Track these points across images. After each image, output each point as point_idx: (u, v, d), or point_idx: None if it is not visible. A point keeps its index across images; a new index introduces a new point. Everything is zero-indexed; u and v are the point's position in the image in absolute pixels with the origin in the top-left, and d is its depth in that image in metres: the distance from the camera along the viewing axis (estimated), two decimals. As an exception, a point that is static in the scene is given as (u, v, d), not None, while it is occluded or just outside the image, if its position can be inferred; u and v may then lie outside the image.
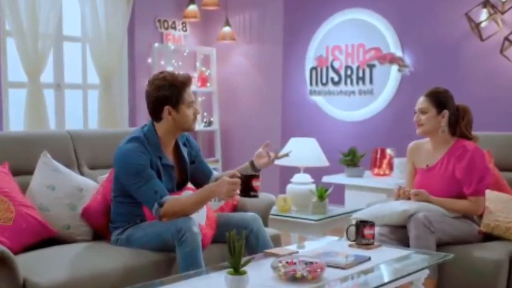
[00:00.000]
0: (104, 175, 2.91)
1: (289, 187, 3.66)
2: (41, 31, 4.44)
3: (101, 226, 2.78)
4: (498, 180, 3.08)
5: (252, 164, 2.79)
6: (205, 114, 5.78)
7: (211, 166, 3.02)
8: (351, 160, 4.32)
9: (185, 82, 2.63)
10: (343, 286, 2.11)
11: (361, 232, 2.54)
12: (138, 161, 2.53)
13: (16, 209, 2.50)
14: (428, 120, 2.95)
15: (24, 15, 4.34)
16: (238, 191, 2.49)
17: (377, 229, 2.69)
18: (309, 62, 5.40)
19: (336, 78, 5.27)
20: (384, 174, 4.34)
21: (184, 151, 2.78)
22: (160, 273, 2.43)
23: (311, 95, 5.40)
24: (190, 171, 2.80)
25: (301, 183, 3.62)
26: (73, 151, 2.99)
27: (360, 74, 5.12)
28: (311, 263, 2.13)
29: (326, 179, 4.30)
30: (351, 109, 5.20)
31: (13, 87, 4.54)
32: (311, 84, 5.39)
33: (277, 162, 2.87)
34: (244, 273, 1.94)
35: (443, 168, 2.94)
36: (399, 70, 4.92)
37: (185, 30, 5.71)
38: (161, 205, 2.48)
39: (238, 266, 1.94)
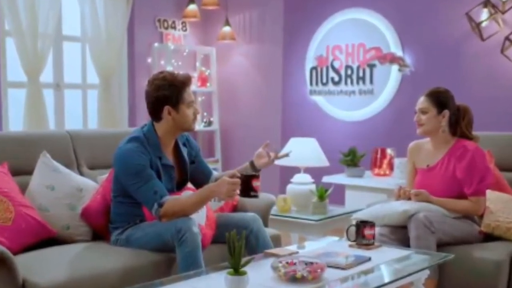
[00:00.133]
0: (104, 175, 2.91)
1: (289, 187, 3.66)
2: (41, 30, 4.43)
3: (100, 226, 2.77)
4: (499, 180, 3.07)
5: (252, 164, 2.78)
6: (205, 114, 5.78)
7: (211, 166, 3.02)
8: (351, 160, 4.31)
9: (185, 82, 2.62)
10: (343, 287, 2.10)
11: (361, 233, 2.54)
12: (137, 161, 2.52)
13: (15, 209, 2.50)
14: (429, 120, 2.94)
15: (23, 14, 4.33)
16: (238, 191, 2.49)
17: (377, 230, 2.69)
18: (309, 62, 5.39)
19: (336, 78, 5.26)
20: (385, 174, 4.33)
21: (184, 151, 2.77)
22: (160, 273, 2.43)
23: (311, 95, 5.39)
24: (190, 171, 2.79)
25: (301, 183, 3.62)
26: (73, 151, 2.98)
27: (361, 74, 5.11)
28: (311, 263, 2.13)
29: (326, 179, 4.30)
30: (351, 109, 5.19)
31: (13, 87, 4.54)
32: (311, 84, 5.39)
33: (277, 162, 2.86)
34: (244, 273, 1.94)
35: (443, 168, 2.94)
36: (399, 70, 4.91)
37: (185, 30, 5.70)
38: (160, 205, 2.48)
39: (238, 266, 1.93)
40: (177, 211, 2.49)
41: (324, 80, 5.32)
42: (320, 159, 3.69)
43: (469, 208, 2.88)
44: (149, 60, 5.38)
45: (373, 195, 3.94)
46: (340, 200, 4.31)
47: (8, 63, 4.47)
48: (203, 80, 5.73)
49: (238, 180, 2.47)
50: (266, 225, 2.99)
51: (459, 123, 2.97)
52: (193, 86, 5.15)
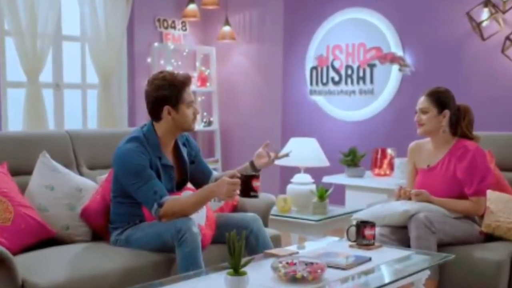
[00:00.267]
0: (103, 175, 2.90)
1: (289, 187, 3.65)
2: (40, 30, 4.42)
3: (100, 226, 2.77)
4: (499, 180, 3.07)
5: (252, 164, 2.78)
6: (205, 114, 5.77)
7: (211, 166, 3.01)
8: (352, 160, 4.31)
9: (184, 81, 2.62)
10: (343, 287, 2.10)
11: (361, 233, 2.53)
12: (137, 161, 2.52)
13: (14, 210, 2.49)
14: (429, 120, 2.94)
15: (23, 14, 4.33)
16: (238, 192, 2.48)
17: (377, 230, 2.69)
18: (310, 62, 5.39)
19: (336, 78, 5.25)
20: (385, 174, 4.33)
21: (184, 151, 2.77)
22: (160, 273, 2.43)
23: (311, 95, 5.39)
24: (189, 171, 2.79)
25: (301, 183, 3.61)
26: (72, 151, 2.98)
27: (361, 74, 5.11)
28: (312, 263, 2.13)
29: (326, 179, 4.29)
30: (351, 109, 5.18)
31: (12, 87, 4.53)
32: (311, 83, 5.38)
33: (277, 162, 2.86)
34: (244, 273, 1.93)
35: (444, 168, 2.93)
36: (399, 70, 4.90)
37: (185, 30, 5.69)
38: (160, 205, 2.47)
39: (238, 266, 1.93)
40: (176, 211, 2.48)
41: (324, 80, 5.31)
42: (320, 159, 3.69)
43: (469, 208, 2.87)
44: (149, 60, 5.37)
45: (374, 195, 3.93)
46: (340, 200, 4.31)
47: (8, 63, 4.46)
48: (203, 80, 5.72)
49: (238, 180, 2.47)
50: (266, 225, 2.99)
51: (460, 123, 2.96)
52: (193, 86, 5.15)
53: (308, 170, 3.72)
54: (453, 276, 2.72)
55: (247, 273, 1.93)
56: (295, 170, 3.73)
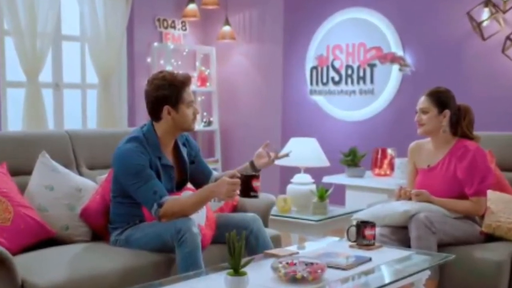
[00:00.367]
0: (103, 175, 2.90)
1: (289, 187, 3.65)
2: (40, 30, 4.42)
3: (100, 226, 2.76)
4: (500, 180, 3.07)
5: (252, 164, 2.77)
6: (205, 114, 5.77)
7: (210, 166, 3.01)
8: (352, 160, 4.30)
9: (184, 81, 2.61)
10: (343, 287, 2.09)
11: (362, 233, 2.53)
12: (137, 161, 2.51)
13: (14, 210, 2.49)
14: (429, 120, 2.94)
15: (22, 14, 4.32)
16: (238, 192, 2.48)
17: (378, 230, 2.68)
18: (310, 62, 5.38)
19: (336, 78, 5.25)
20: (385, 174, 4.32)
21: (184, 151, 2.76)
22: (160, 274, 2.42)
23: (311, 95, 5.38)
24: (189, 171, 2.78)
25: (302, 183, 3.61)
26: (72, 151, 2.97)
27: (361, 74, 5.10)
28: (312, 264, 2.13)
29: (326, 179, 4.29)
30: (351, 108, 5.18)
31: (12, 87, 4.53)
32: (311, 83, 5.38)
33: (277, 162, 2.85)
34: (244, 274, 1.93)
35: (444, 168, 2.93)
36: (400, 70, 4.90)
37: (185, 29, 5.69)
38: (160, 205, 2.47)
39: (238, 267, 1.93)
40: (176, 211, 2.48)
41: (325, 80, 5.31)
42: (320, 159, 3.69)
43: (470, 208, 2.87)
44: (149, 59, 5.36)
45: (374, 195, 3.93)
46: (341, 200, 4.30)
47: (7, 63, 4.46)
48: (203, 80, 5.72)
49: (238, 180, 2.46)
50: (266, 225, 2.98)
51: (460, 123, 2.96)
52: (193, 86, 5.14)
53: (308, 170, 3.71)
54: (453, 277, 2.71)
55: (247, 273, 1.93)
56: (295, 170, 3.72)
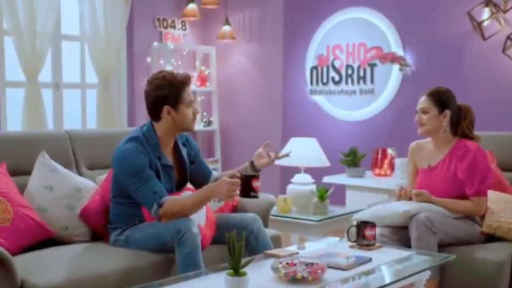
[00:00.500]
0: (103, 176, 2.90)
1: (290, 187, 3.64)
2: (39, 30, 4.41)
3: (99, 227, 2.76)
4: (500, 181, 3.06)
5: (252, 164, 2.77)
6: (205, 113, 5.76)
7: (210, 166, 3.00)
8: (352, 160, 4.30)
9: (184, 81, 2.61)
10: (344, 288, 2.09)
11: (362, 233, 2.53)
12: (137, 161, 2.51)
13: (13, 210, 2.48)
14: (430, 120, 2.93)
15: (22, 14, 4.31)
16: (238, 192, 2.47)
17: (378, 230, 2.68)
18: (310, 61, 5.38)
19: (337, 78, 5.24)
20: (385, 175, 4.32)
21: (184, 151, 2.76)
22: (159, 274, 2.42)
23: (311, 95, 5.38)
24: (189, 172, 2.78)
25: (302, 183, 3.60)
26: (72, 151, 2.97)
27: (361, 74, 5.10)
28: (312, 264, 2.13)
29: (326, 179, 4.28)
30: (352, 108, 5.17)
31: (11, 87, 4.52)
32: (311, 83, 5.37)
33: (277, 162, 2.85)
34: (244, 274, 1.92)
35: (444, 168, 2.93)
36: (400, 70, 4.89)
37: (185, 29, 5.68)
38: (160, 205, 2.47)
39: (238, 267, 1.92)
40: (176, 211, 2.47)
41: (325, 80, 5.30)
42: (320, 159, 3.68)
43: (470, 208, 2.86)
44: (149, 59, 5.36)
45: (374, 196, 3.93)
46: (341, 200, 4.30)
47: (7, 63, 4.45)
48: (203, 80, 5.71)
49: (238, 181, 2.46)
50: (266, 225, 2.98)
51: (461, 123, 2.96)
52: (193, 86, 5.14)
53: (308, 170, 3.71)
54: (454, 277, 2.71)
55: (247, 273, 1.93)
56: (295, 170, 3.72)
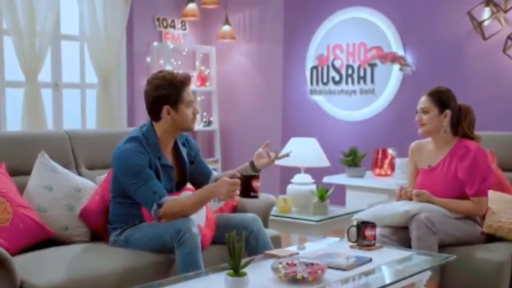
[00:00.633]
0: (103, 176, 2.89)
1: (290, 187, 3.64)
2: (39, 29, 4.40)
3: (99, 227, 2.75)
4: (501, 181, 3.06)
5: (252, 164, 2.76)
6: (205, 113, 5.76)
7: (210, 166, 3.00)
8: (352, 160, 4.29)
9: (184, 81, 2.60)
10: (344, 288, 2.09)
11: (362, 233, 2.52)
12: (137, 161, 2.50)
13: (13, 210, 2.48)
14: (430, 119, 2.93)
15: (21, 13, 4.31)
16: (238, 192, 2.47)
17: (378, 230, 2.67)
18: (310, 61, 5.37)
19: (337, 78, 5.24)
20: (386, 175, 4.31)
21: (183, 151, 2.75)
22: (159, 274, 2.41)
23: (311, 95, 5.37)
24: (189, 172, 2.77)
25: (302, 183, 3.60)
26: (71, 151, 2.96)
27: (361, 73, 5.09)
28: (312, 264, 2.12)
29: (327, 179, 4.28)
30: (352, 108, 5.17)
31: (10, 87, 4.51)
32: (311, 83, 5.37)
33: (277, 162, 2.84)
34: (244, 274, 1.92)
35: (445, 168, 2.92)
36: (400, 69, 4.89)
37: (184, 29, 5.68)
38: (160, 205, 2.46)
39: (238, 267, 1.92)
40: (176, 211, 2.47)
41: (325, 80, 5.30)
42: (320, 159, 3.68)
43: (471, 208, 2.86)
44: (148, 59, 5.35)
45: (374, 196, 3.92)
46: (341, 200, 4.29)
47: (6, 62, 4.45)
48: (203, 80, 5.71)
49: (238, 181, 2.45)
50: (266, 225, 2.98)
51: (461, 123, 2.95)
52: (193, 86, 5.13)
53: (308, 170, 3.70)
54: (454, 277, 2.70)
55: (247, 274, 1.92)
56: (295, 170, 3.72)
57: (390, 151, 4.34)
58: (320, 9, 5.27)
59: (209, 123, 5.75)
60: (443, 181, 2.91)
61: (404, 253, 2.52)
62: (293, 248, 2.59)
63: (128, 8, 5.00)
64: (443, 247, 2.71)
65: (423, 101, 2.96)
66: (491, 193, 2.91)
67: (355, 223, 2.60)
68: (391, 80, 4.95)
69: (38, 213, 2.60)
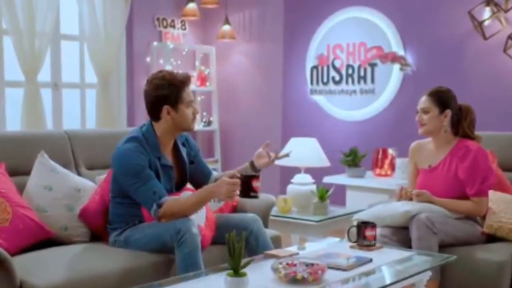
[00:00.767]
0: (102, 176, 2.89)
1: (290, 187, 3.63)
2: (38, 29, 4.40)
3: (99, 227, 2.75)
4: (501, 181, 3.05)
5: (252, 164, 2.76)
6: (205, 113, 5.75)
7: (210, 166, 2.99)
8: (352, 160, 4.29)
9: (184, 81, 2.60)
10: (344, 288, 2.08)
11: (362, 233, 2.52)
12: (136, 161, 2.50)
13: (12, 210, 2.48)
14: (431, 119, 2.92)
15: (21, 13, 4.31)
16: (237, 192, 2.46)
17: (378, 230, 2.67)
18: (310, 61, 5.37)
19: (337, 77, 5.23)
20: (386, 175, 4.31)
21: (183, 151, 2.75)
22: (159, 274, 2.41)
23: (311, 95, 5.37)
24: (189, 172, 2.77)
25: (302, 183, 3.60)
26: (71, 151, 2.96)
27: (362, 73, 5.09)
28: (312, 264, 2.12)
29: (327, 179, 4.28)
30: (352, 108, 5.16)
31: (10, 86, 4.51)
32: (311, 83, 5.36)
33: (277, 162, 2.84)
34: (244, 274, 1.92)
35: (445, 168, 2.92)
36: (401, 69, 4.88)
37: (184, 29, 5.68)
38: (159, 206, 2.46)
39: (238, 267, 1.92)
40: (176, 211, 2.46)
41: (325, 80, 5.30)
42: (320, 159, 3.67)
43: (471, 208, 2.86)
44: (148, 59, 5.35)
45: (374, 196, 3.92)
46: (341, 200, 4.29)
47: (6, 62, 4.45)
48: (203, 80, 5.71)
49: (237, 181, 2.45)
50: (266, 226, 2.97)
51: (461, 123, 2.95)
52: (193, 86, 5.13)
53: (308, 170, 3.70)
54: (454, 277, 2.70)
55: (247, 274, 1.92)
56: (295, 170, 3.71)
57: (390, 151, 4.34)
58: (320, 9, 5.27)
59: (209, 123, 5.75)
60: (444, 181, 2.91)
61: (404, 253, 2.52)
62: (293, 248, 2.59)
63: (128, 8, 5.00)
64: (443, 247, 2.71)
65: (424, 101, 2.96)
66: (491, 193, 2.90)
67: (355, 223, 2.59)
68: (391, 80, 4.95)
69: (37, 213, 2.59)
